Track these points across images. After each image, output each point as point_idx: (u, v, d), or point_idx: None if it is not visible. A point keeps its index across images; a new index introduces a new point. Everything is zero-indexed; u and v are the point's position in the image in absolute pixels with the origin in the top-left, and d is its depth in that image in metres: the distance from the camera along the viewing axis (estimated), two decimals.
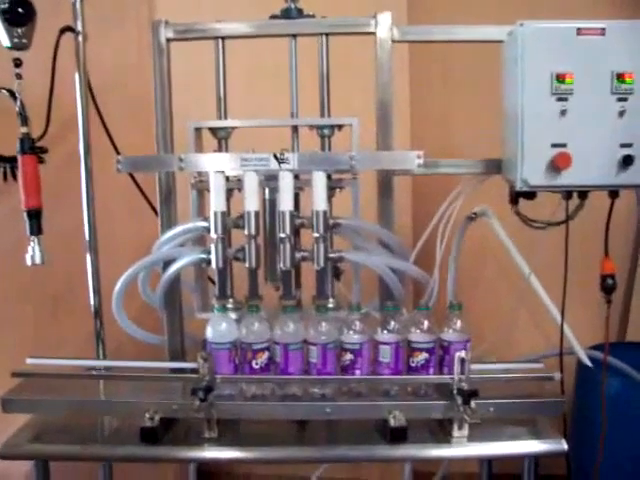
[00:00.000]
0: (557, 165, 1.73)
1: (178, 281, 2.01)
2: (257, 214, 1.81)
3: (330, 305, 1.95)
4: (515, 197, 1.90)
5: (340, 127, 1.94)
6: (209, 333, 1.82)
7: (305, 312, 1.94)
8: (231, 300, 1.99)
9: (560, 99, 1.72)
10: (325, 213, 1.80)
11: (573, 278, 1.99)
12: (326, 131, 1.93)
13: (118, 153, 2.23)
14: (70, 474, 2.53)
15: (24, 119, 1.85)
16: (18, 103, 1.83)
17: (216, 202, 1.81)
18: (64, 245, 2.32)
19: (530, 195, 1.87)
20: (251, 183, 1.79)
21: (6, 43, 1.76)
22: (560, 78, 1.71)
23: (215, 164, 1.81)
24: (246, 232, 1.81)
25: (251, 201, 1.80)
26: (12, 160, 1.95)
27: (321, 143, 1.96)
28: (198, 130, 1.96)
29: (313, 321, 1.82)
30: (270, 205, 1.91)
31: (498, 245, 2.17)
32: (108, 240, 2.22)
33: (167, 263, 1.92)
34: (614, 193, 1.84)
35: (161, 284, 1.93)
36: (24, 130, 1.85)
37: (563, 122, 1.73)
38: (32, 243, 1.89)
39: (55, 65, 2.00)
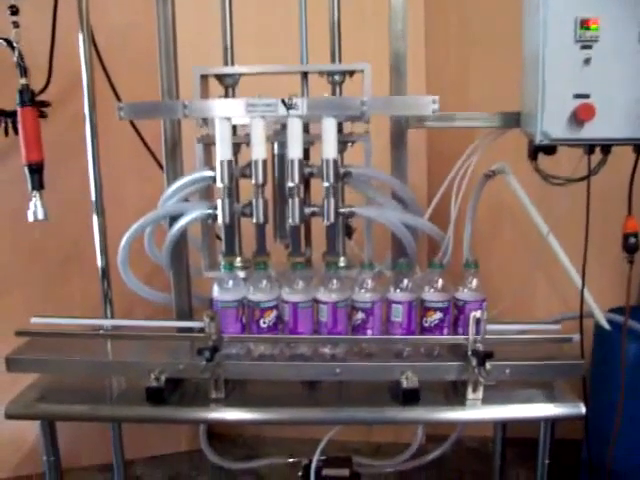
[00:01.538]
0: (580, 117, 1.65)
1: (185, 238, 1.96)
2: (265, 162, 1.74)
3: (341, 264, 1.90)
4: (534, 152, 1.82)
5: (351, 74, 1.86)
6: (216, 291, 1.78)
7: (315, 271, 1.89)
8: (239, 259, 1.95)
9: (584, 47, 1.64)
10: (335, 161, 1.73)
11: (593, 238, 1.92)
12: (337, 77, 1.85)
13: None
14: (80, 436, 2.54)
15: (23, 70, 1.80)
16: (16, 53, 1.77)
17: (222, 150, 1.74)
18: (72, 206, 2.29)
19: (550, 150, 1.79)
20: (258, 130, 1.72)
21: None
22: (585, 24, 1.62)
23: (221, 110, 1.74)
24: (253, 181, 1.75)
25: (258, 149, 1.73)
26: (13, 115, 1.89)
27: (332, 90, 1.88)
28: (204, 78, 1.87)
29: (323, 279, 1.77)
30: (279, 160, 1.85)
31: (515, 204, 2.09)
32: (115, 201, 2.19)
33: (173, 220, 1.87)
34: (639, 148, 1.75)
35: (167, 241, 1.88)
36: (23, 81, 1.80)
37: (587, 71, 1.65)
38: (34, 198, 1.85)
39: (56, 16, 1.94)
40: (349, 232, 1.95)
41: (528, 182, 1.92)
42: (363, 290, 1.76)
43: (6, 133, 1.99)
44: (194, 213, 1.83)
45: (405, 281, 1.76)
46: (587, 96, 1.65)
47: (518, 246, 2.68)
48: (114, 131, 2.15)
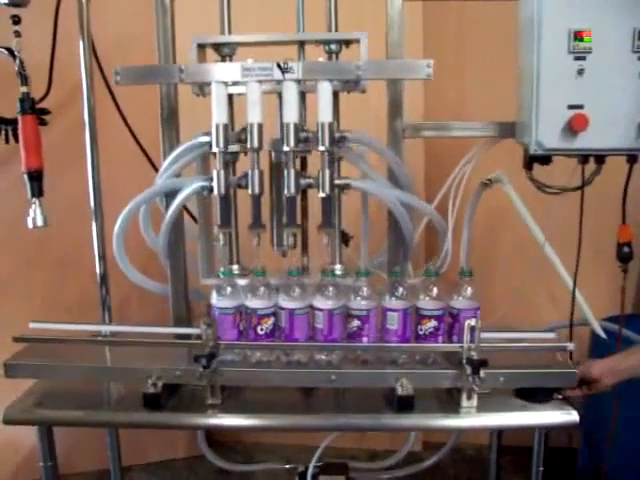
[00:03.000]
0: (573, 127, 1.67)
1: (181, 228, 1.96)
2: (260, 126, 1.73)
3: (338, 271, 1.91)
4: (529, 162, 1.84)
5: (348, 44, 1.84)
6: (214, 298, 1.79)
7: (312, 278, 1.90)
8: (237, 266, 1.97)
9: (578, 58, 1.66)
10: (331, 125, 1.72)
11: (589, 247, 1.93)
12: (333, 47, 1.83)
13: (124, 118, 2.19)
14: (77, 443, 2.55)
15: (24, 78, 1.81)
16: (17, 62, 1.79)
17: (218, 114, 1.72)
18: (71, 212, 2.31)
19: (545, 160, 1.81)
20: (254, 94, 1.71)
21: None
22: (578, 36, 1.64)
23: (217, 74, 1.73)
24: (249, 145, 1.73)
25: (254, 112, 1.71)
26: (14, 122, 1.91)
27: (328, 60, 1.86)
28: (202, 48, 1.86)
29: (320, 286, 1.78)
30: (276, 169, 1.86)
31: (511, 215, 2.11)
32: (114, 207, 2.19)
33: (170, 201, 1.85)
34: (632, 158, 1.77)
35: (166, 220, 1.85)
36: (24, 90, 1.81)
37: (580, 82, 1.67)
38: (33, 205, 1.86)
39: (57, 25, 1.96)
40: (345, 240, 1.96)
41: (526, 190, 1.93)
42: (359, 297, 1.77)
43: (6, 140, 2.01)
44: (191, 187, 1.81)
45: (400, 289, 1.77)
46: (581, 107, 1.67)
47: (515, 253, 2.69)
48: (113, 138, 2.17)
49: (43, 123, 1.93)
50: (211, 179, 1.78)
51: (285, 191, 1.75)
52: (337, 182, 1.80)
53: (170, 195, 1.86)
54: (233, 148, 1.83)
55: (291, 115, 1.71)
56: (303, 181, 1.81)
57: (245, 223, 1.92)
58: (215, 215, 1.84)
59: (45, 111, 1.93)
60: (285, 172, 1.74)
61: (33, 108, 1.83)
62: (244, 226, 1.95)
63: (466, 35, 2.77)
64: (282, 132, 1.73)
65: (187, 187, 1.81)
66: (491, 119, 1.92)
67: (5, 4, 1.72)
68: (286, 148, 1.72)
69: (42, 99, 1.94)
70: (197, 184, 1.81)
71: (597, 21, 1.63)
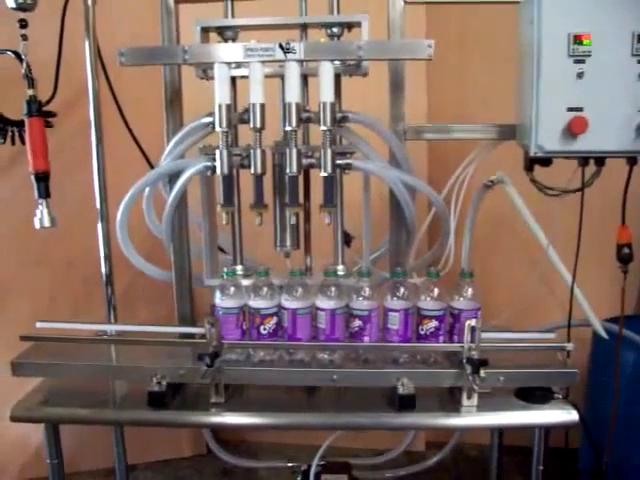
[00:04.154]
0: (573, 130, 1.67)
1: (185, 213, 1.98)
2: (263, 106, 1.74)
3: (340, 272, 1.93)
4: (530, 164, 1.85)
5: (350, 28, 1.87)
6: (217, 298, 1.81)
7: (314, 278, 1.92)
8: (240, 267, 1.99)
9: (577, 61, 1.66)
10: (333, 105, 1.73)
11: (590, 248, 1.94)
12: (335, 30, 1.85)
13: (127, 124, 2.21)
14: (82, 442, 2.57)
15: (30, 81, 1.83)
16: (24, 65, 1.81)
17: (220, 94, 1.74)
18: (77, 213, 2.33)
19: (545, 162, 1.82)
20: (256, 74, 1.72)
21: (11, 4, 1.74)
22: (578, 39, 1.65)
23: (220, 54, 1.75)
24: (251, 125, 1.75)
25: (256, 92, 1.73)
26: (20, 124, 1.94)
27: None
28: (205, 32, 1.88)
29: (322, 286, 1.80)
30: (278, 170, 1.88)
31: (514, 216, 2.12)
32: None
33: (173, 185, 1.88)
34: (632, 160, 1.78)
35: (169, 203, 1.87)
36: (31, 92, 1.84)
37: (580, 85, 1.67)
38: (40, 206, 1.89)
39: (63, 28, 1.99)
40: (348, 240, 1.98)
41: (529, 192, 1.95)
42: (361, 298, 1.79)
43: (13, 142, 2.03)
44: (193, 167, 1.83)
45: (402, 289, 1.79)
46: (580, 109, 1.67)
47: (518, 255, 2.70)
48: (119, 139, 2.19)
49: (49, 126, 1.95)
50: (214, 159, 1.79)
51: (287, 170, 1.77)
52: (339, 162, 1.81)
53: (174, 179, 1.89)
54: (237, 151, 1.85)
55: (293, 95, 1.72)
56: (305, 161, 1.82)
57: (248, 224, 1.95)
58: (218, 195, 1.87)
59: (51, 114, 1.95)
60: (287, 151, 1.75)
61: (40, 111, 1.86)
62: (247, 227, 1.98)
63: (469, 38, 2.78)
64: (284, 112, 1.74)
65: (190, 167, 1.83)
66: (495, 121, 1.94)
67: (12, 8, 1.75)
68: (288, 128, 1.74)
69: (48, 102, 1.96)
70: (201, 164, 1.83)
71: (597, 24, 1.64)
